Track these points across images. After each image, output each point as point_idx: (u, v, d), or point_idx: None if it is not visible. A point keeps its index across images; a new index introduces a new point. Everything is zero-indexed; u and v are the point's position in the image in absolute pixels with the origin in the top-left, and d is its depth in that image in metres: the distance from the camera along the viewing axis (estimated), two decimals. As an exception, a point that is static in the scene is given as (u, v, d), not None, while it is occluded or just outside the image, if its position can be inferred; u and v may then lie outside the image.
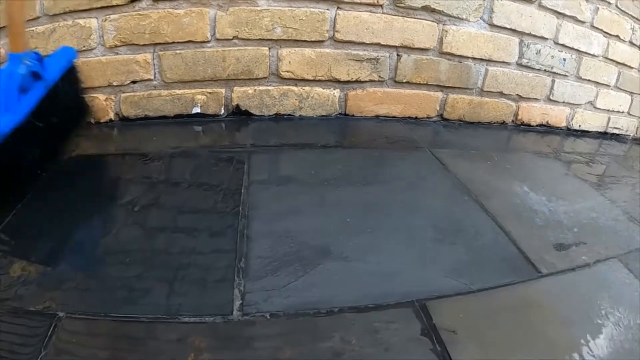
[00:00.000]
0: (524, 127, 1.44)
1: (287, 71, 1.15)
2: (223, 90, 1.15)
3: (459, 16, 1.21)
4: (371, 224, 0.78)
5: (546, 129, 1.48)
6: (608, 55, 1.45)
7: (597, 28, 1.38)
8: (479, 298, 0.64)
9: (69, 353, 0.49)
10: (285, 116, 1.21)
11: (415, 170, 1.01)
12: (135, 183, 0.85)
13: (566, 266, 0.74)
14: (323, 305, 0.59)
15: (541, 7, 1.27)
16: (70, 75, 0.91)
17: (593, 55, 1.43)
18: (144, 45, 1.04)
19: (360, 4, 1.13)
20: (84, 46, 1.01)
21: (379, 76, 1.23)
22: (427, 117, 1.33)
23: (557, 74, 1.40)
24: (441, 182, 0.97)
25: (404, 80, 1.25)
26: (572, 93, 1.46)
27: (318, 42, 1.14)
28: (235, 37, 1.09)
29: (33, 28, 0.97)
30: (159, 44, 1.05)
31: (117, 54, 1.04)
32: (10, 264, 0.62)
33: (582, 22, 1.35)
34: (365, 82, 1.23)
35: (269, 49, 1.12)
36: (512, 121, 1.43)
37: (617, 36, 1.43)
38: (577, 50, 1.39)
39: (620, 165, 1.33)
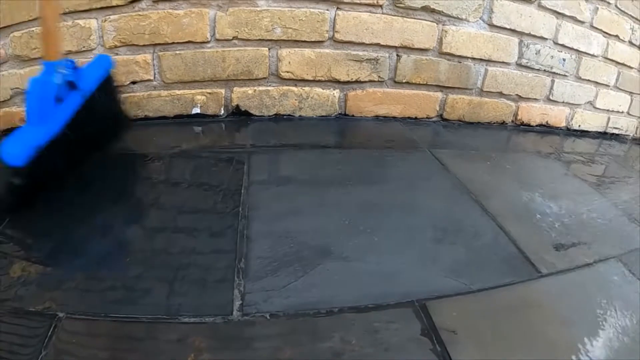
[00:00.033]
0: (523, 127, 1.44)
1: (287, 71, 1.15)
2: (223, 91, 1.15)
3: (459, 16, 1.21)
4: (371, 224, 0.78)
5: (546, 129, 1.48)
6: (607, 55, 1.45)
7: (596, 28, 1.38)
8: (479, 298, 0.64)
9: (69, 353, 0.49)
10: (285, 116, 1.21)
11: (415, 170, 1.01)
12: (135, 183, 0.85)
13: (566, 266, 0.74)
14: (323, 305, 0.59)
15: (541, 7, 1.27)
16: (107, 85, 0.88)
17: (592, 55, 1.43)
18: (144, 45, 1.04)
19: (360, 4, 1.13)
20: (84, 47, 1.01)
21: (379, 76, 1.23)
22: (426, 118, 1.33)
23: (557, 74, 1.40)
24: (441, 182, 0.97)
25: (404, 81, 1.25)
26: (571, 93, 1.46)
27: (318, 43, 1.14)
28: (235, 38, 1.09)
29: (33, 29, 0.97)
30: (159, 44, 1.05)
31: (117, 54, 1.04)
32: (10, 264, 0.62)
33: (582, 22, 1.35)
34: (365, 82, 1.23)
35: (269, 49, 1.12)
36: (512, 121, 1.43)
37: (617, 36, 1.43)
38: (577, 50, 1.39)
39: (620, 165, 1.33)
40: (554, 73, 1.40)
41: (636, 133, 1.72)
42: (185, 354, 0.50)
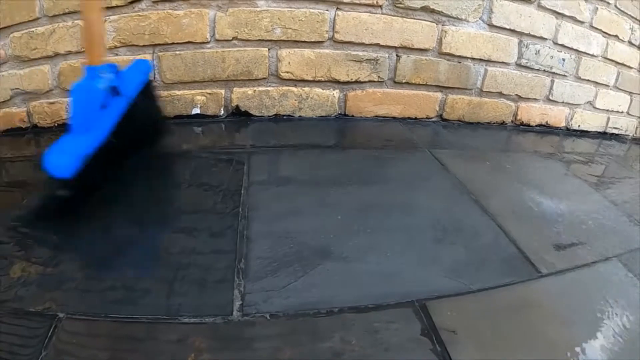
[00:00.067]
0: (523, 127, 1.44)
1: (287, 72, 1.15)
2: (223, 91, 1.15)
3: (458, 16, 1.21)
4: (371, 224, 0.78)
5: (545, 129, 1.48)
6: (607, 55, 1.45)
7: (596, 28, 1.38)
8: (478, 298, 0.64)
9: (69, 354, 0.49)
10: (284, 117, 1.21)
11: (414, 170, 1.01)
12: (135, 183, 0.85)
13: (566, 266, 0.74)
14: (323, 305, 0.59)
15: (540, 7, 1.27)
16: (148, 91, 0.86)
17: (592, 55, 1.43)
18: (144, 46, 1.04)
19: (360, 4, 1.13)
20: (84, 47, 1.01)
21: (379, 77, 1.23)
22: (426, 118, 1.33)
23: (557, 74, 1.40)
24: (441, 182, 0.97)
25: (404, 81, 1.25)
26: (571, 93, 1.47)
27: (317, 43, 1.14)
28: (234, 38, 1.09)
29: (33, 29, 0.97)
30: (159, 44, 1.05)
31: (116, 54, 1.04)
32: (10, 264, 0.62)
33: (581, 22, 1.35)
34: (365, 82, 1.23)
35: (269, 49, 1.12)
36: (512, 121, 1.43)
37: (616, 36, 1.43)
38: (577, 51, 1.39)
39: (620, 165, 1.33)
40: (553, 73, 1.40)
41: (636, 133, 1.72)
42: (186, 354, 0.50)
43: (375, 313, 0.59)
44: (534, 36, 1.30)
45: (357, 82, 1.22)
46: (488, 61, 1.30)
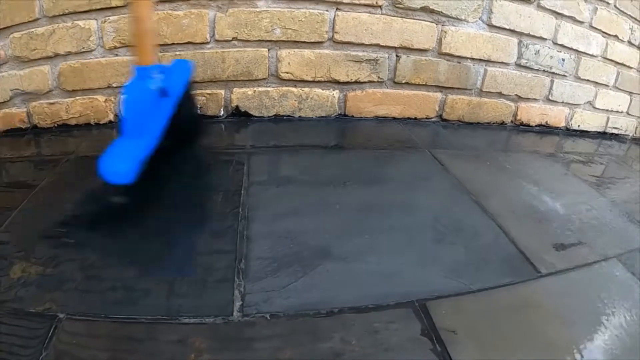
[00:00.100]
0: (523, 128, 1.44)
1: (287, 72, 1.15)
2: (222, 92, 1.15)
3: (458, 17, 1.21)
4: (371, 224, 0.78)
5: (545, 129, 1.48)
6: (607, 55, 1.45)
7: (595, 28, 1.38)
8: (478, 298, 0.64)
9: (70, 354, 0.49)
10: (284, 117, 1.21)
11: (414, 170, 1.01)
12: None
13: (566, 266, 0.74)
14: (323, 305, 0.59)
15: (540, 7, 1.27)
16: (188, 92, 0.85)
17: (592, 56, 1.43)
18: (144, 46, 1.04)
19: (360, 5, 1.13)
20: (84, 48, 1.01)
21: (378, 77, 1.23)
22: (426, 118, 1.33)
23: (556, 74, 1.40)
24: (440, 183, 0.97)
25: (403, 81, 1.25)
26: (571, 93, 1.47)
27: (317, 43, 1.14)
28: (234, 39, 1.09)
29: (33, 30, 0.97)
30: (159, 45, 1.05)
31: (116, 55, 1.04)
32: (10, 265, 0.62)
33: (581, 23, 1.35)
34: (365, 83, 1.23)
35: (269, 50, 1.12)
36: (511, 121, 1.43)
37: (616, 36, 1.43)
38: (576, 51, 1.39)
39: (620, 165, 1.33)
40: (553, 73, 1.40)
41: (635, 133, 1.72)
42: (186, 354, 0.50)
43: (375, 313, 0.59)
44: (533, 36, 1.30)
45: (356, 82, 1.22)
46: (488, 61, 1.30)
